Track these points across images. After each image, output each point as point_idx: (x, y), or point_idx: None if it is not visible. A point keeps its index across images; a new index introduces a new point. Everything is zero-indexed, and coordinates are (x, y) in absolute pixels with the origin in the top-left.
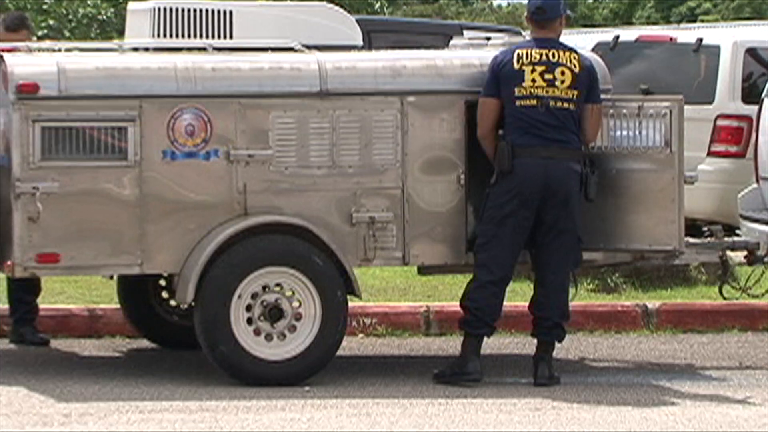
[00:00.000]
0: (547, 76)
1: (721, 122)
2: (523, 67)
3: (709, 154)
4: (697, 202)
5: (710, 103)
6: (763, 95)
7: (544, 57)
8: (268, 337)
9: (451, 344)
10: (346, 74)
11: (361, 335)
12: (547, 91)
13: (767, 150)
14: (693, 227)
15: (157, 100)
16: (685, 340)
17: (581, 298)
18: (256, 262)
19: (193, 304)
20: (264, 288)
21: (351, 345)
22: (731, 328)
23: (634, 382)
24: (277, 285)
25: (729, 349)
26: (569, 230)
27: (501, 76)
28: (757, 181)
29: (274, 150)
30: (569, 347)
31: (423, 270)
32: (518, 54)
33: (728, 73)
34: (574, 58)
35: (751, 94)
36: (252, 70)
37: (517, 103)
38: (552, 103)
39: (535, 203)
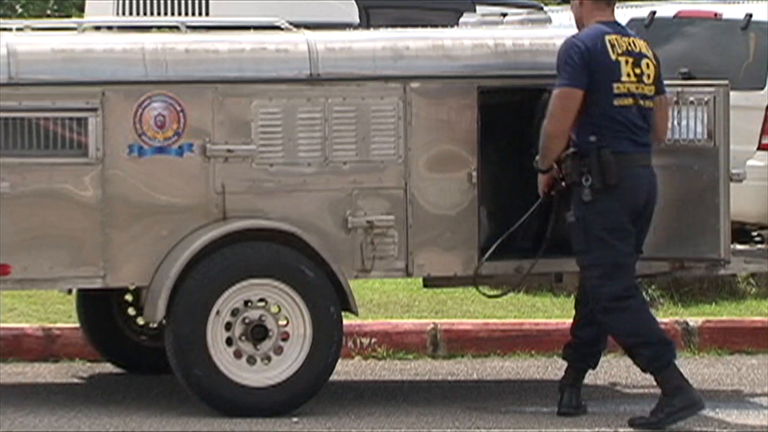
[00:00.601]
0: (637, 70)
1: None
2: (619, 59)
3: (760, 147)
4: (745, 203)
5: (761, 88)
6: None
7: (629, 46)
8: (251, 360)
9: (462, 368)
10: (339, 56)
11: (358, 357)
12: (638, 88)
13: None
14: (741, 232)
15: (122, 86)
16: (733, 362)
17: None
18: (236, 273)
19: (164, 322)
20: (246, 303)
21: (346, 369)
22: None
23: None
24: (261, 300)
25: None
26: (639, 251)
27: (595, 68)
28: None
29: (257, 144)
30: (598, 371)
31: (429, 282)
32: (610, 41)
33: None
34: (648, 46)
35: None
36: (231, 52)
37: (616, 102)
38: (642, 102)
39: (635, 221)
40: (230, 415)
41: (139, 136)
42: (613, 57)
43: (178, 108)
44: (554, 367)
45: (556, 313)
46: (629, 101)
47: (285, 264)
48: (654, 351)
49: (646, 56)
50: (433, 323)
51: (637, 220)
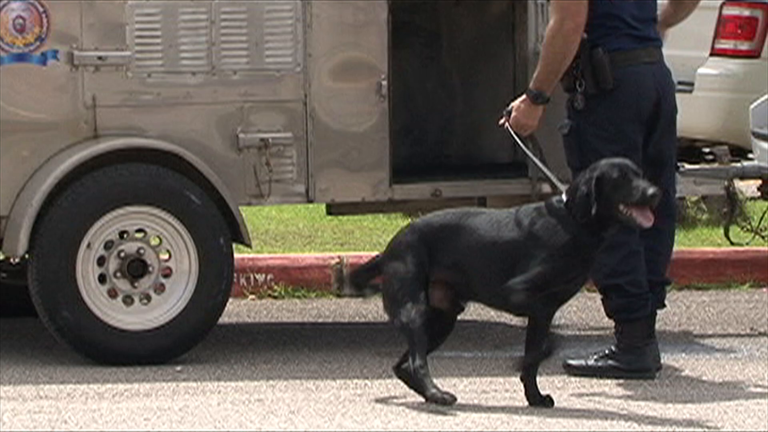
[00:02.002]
0: None
1: (727, 10)
2: None
3: (713, 53)
4: (696, 116)
5: None
6: None
7: None
8: (128, 300)
9: (372, 307)
10: None
11: (252, 296)
12: None
13: None
14: (691, 150)
15: None
16: (680, 298)
17: None
18: (110, 200)
19: (26, 257)
20: (121, 235)
21: (238, 309)
22: (740, 283)
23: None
24: (139, 231)
25: (737, 311)
26: (672, 164)
27: None
28: None
29: (132, 51)
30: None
31: (334, 209)
32: None
33: None
34: None
35: None
36: None
37: None
38: None
39: (649, 127)
40: (104, 362)
41: None
42: None
43: (41, 9)
44: (475, 307)
45: None
46: None
47: (166, 189)
48: (626, 302)
49: None
50: (338, 257)
51: (649, 127)
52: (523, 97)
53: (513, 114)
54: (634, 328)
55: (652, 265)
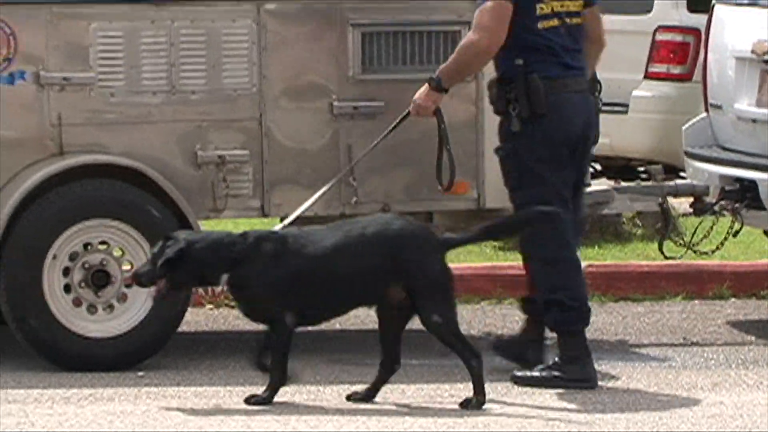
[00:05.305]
0: None
1: (661, 36)
2: None
3: (647, 76)
4: (631, 136)
5: (647, 12)
6: (714, 1)
7: None
8: (92, 309)
9: None
10: None
11: (209, 306)
12: (562, 6)
13: (719, 71)
14: (626, 168)
15: None
16: (616, 309)
17: (487, 257)
18: (74, 213)
19: None
20: (86, 247)
21: (197, 318)
22: (674, 295)
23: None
24: (103, 243)
25: (671, 322)
26: (585, 184)
27: None
28: (707, 110)
29: (96, 72)
30: (472, 319)
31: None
32: None
33: None
34: None
35: (698, 1)
36: None
37: (540, 24)
38: (569, 20)
39: (575, 154)
40: (69, 368)
41: None
42: None
43: (8, 31)
44: None
45: None
46: (554, 22)
47: (128, 203)
48: (566, 315)
49: None
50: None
51: (575, 150)
52: (426, 84)
53: (415, 99)
54: (576, 340)
55: None
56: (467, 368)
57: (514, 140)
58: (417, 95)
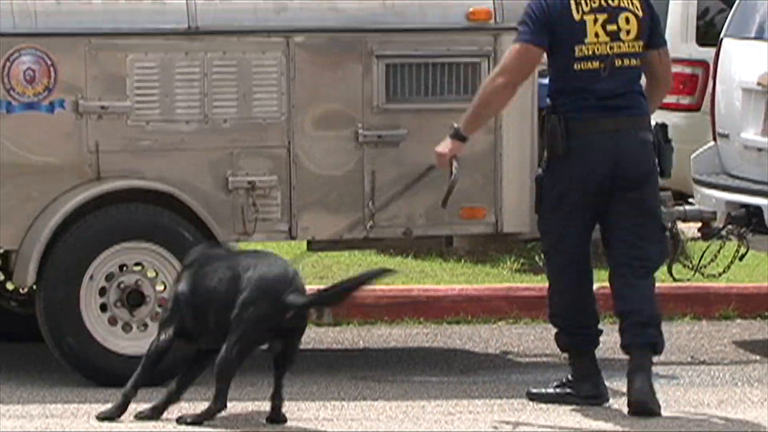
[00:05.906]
0: (610, 28)
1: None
2: (585, 18)
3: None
4: None
5: None
6: (722, 35)
7: (603, 1)
8: (126, 327)
9: (347, 335)
10: (219, 8)
11: None
12: (611, 48)
13: (726, 102)
14: None
15: None
16: None
17: (503, 279)
18: (111, 236)
19: (34, 287)
20: (121, 268)
21: None
22: (682, 316)
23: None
24: (137, 264)
25: (679, 341)
26: (655, 216)
27: (555, 28)
28: (714, 139)
29: (132, 101)
30: (489, 338)
31: (314, 245)
32: None
33: (679, 9)
34: None
35: (707, 35)
36: (105, 3)
37: (576, 66)
38: (620, 62)
39: (602, 192)
40: (105, 384)
41: (8, 91)
42: (577, 17)
43: (49, 62)
44: (443, 335)
45: (446, 279)
46: (595, 64)
47: (162, 226)
48: (572, 339)
49: (626, 10)
50: (318, 289)
51: (604, 190)
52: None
53: (435, 148)
54: (585, 360)
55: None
56: None
57: (542, 172)
58: (438, 145)
